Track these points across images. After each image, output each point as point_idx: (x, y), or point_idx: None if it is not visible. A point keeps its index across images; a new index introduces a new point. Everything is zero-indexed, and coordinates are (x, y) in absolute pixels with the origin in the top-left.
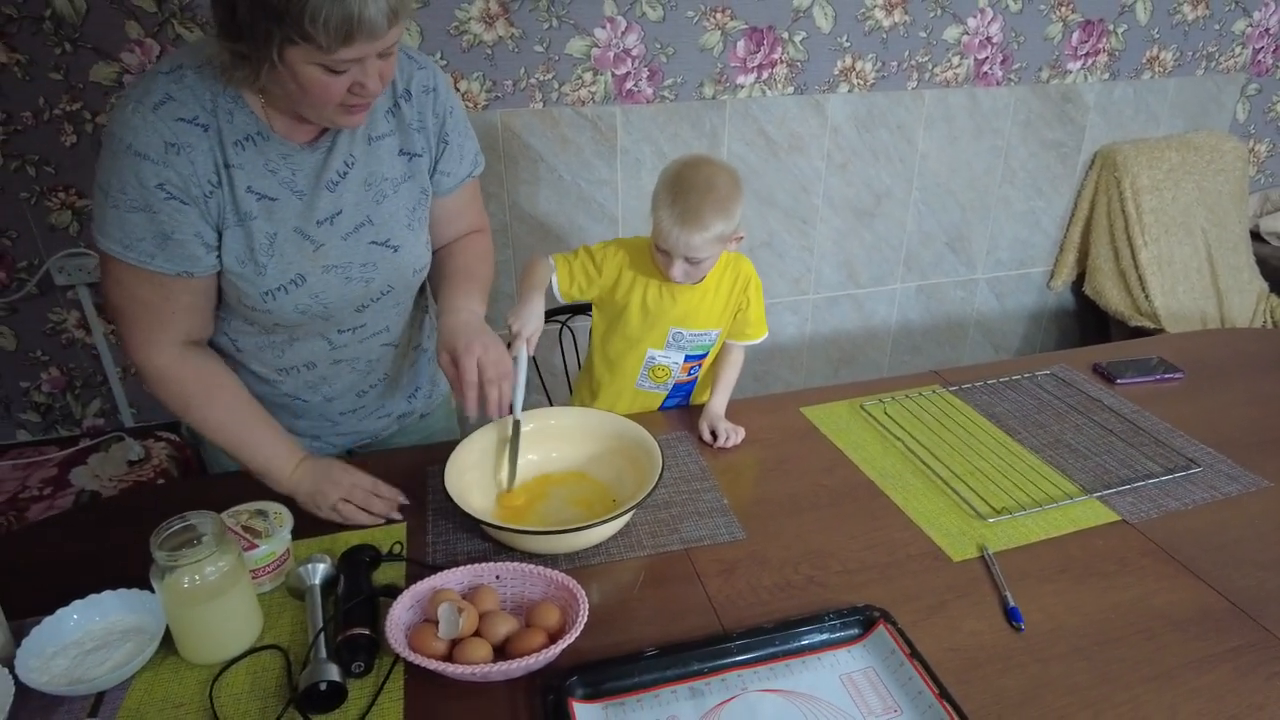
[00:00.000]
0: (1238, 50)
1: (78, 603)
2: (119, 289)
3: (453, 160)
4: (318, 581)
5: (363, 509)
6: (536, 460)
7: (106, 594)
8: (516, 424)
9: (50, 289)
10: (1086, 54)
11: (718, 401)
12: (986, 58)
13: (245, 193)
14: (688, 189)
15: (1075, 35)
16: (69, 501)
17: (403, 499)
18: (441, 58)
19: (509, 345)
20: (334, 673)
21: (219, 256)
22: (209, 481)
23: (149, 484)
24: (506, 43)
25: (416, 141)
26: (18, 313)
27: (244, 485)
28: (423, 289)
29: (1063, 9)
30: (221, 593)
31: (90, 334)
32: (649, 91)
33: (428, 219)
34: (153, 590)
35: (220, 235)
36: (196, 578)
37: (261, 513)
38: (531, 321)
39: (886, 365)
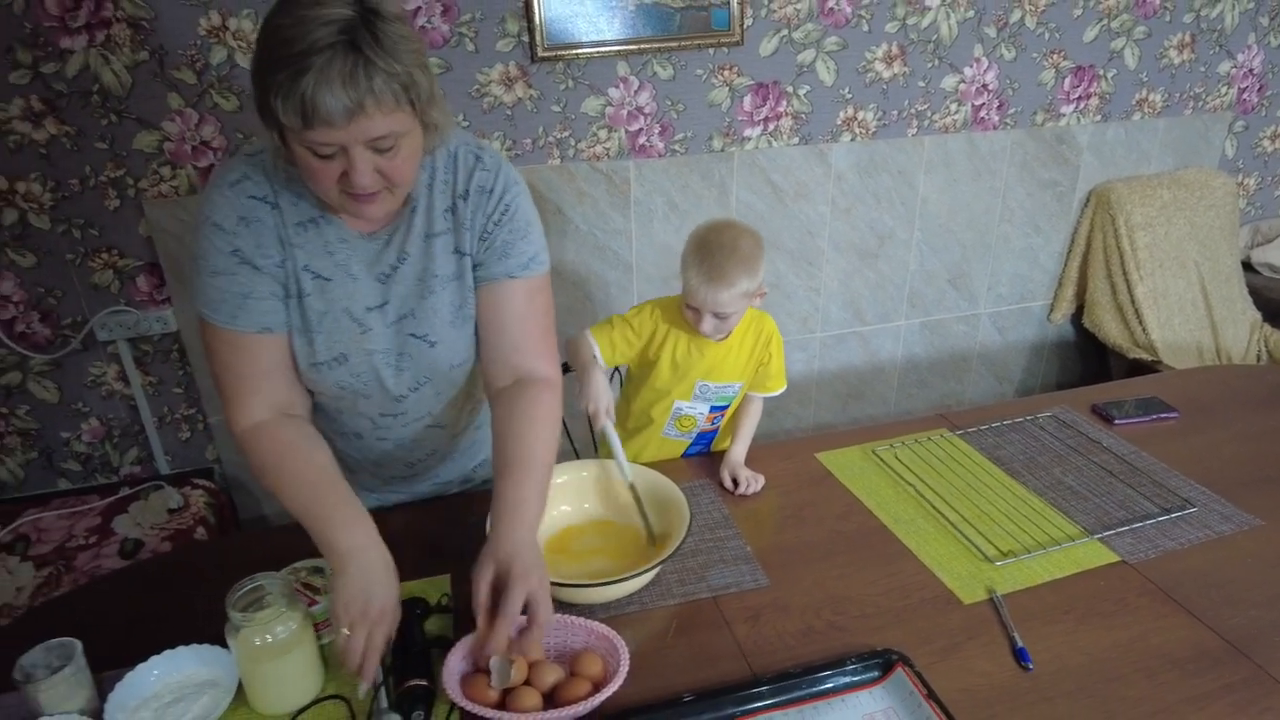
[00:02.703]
0: (1223, 90)
1: (156, 658)
2: (211, 355)
3: (493, 256)
4: None
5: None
6: (569, 511)
7: (181, 649)
8: (632, 487)
9: (93, 344)
10: (1079, 97)
11: (738, 450)
12: (983, 104)
13: (302, 270)
14: (714, 250)
15: (1067, 80)
16: (114, 549)
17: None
18: (464, 119)
19: (590, 423)
20: None
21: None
22: (257, 536)
23: (189, 532)
24: (525, 103)
25: (467, 240)
26: (61, 367)
27: (294, 538)
28: (474, 379)
29: (1055, 56)
30: (290, 649)
31: (129, 385)
32: (660, 146)
33: (474, 317)
34: (225, 646)
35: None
36: (268, 636)
37: (319, 569)
38: (603, 397)
39: (894, 399)
